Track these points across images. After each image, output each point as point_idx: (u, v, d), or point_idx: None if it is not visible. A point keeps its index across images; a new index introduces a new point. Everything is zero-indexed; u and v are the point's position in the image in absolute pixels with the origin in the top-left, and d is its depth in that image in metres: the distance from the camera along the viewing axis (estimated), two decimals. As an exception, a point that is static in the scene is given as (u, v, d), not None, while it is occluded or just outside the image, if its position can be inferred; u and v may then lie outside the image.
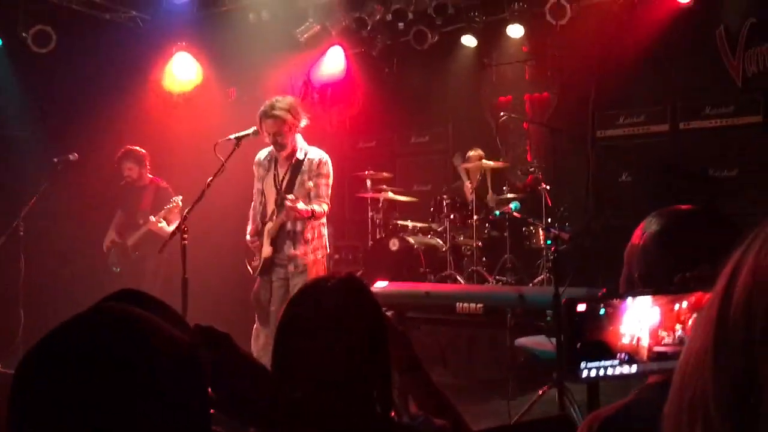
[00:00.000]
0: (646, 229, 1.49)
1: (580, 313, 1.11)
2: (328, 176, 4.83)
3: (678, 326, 1.15)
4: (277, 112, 4.73)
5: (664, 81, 7.54)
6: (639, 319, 1.14)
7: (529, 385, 5.47)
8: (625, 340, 1.14)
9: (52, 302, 7.34)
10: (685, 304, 1.15)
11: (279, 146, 4.76)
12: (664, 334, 1.15)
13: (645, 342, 1.14)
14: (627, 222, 6.55)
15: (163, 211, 6.23)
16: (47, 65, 7.66)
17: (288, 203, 4.49)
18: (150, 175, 6.73)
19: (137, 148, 6.66)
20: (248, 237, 4.95)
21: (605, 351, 1.13)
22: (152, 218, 6.29)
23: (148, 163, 6.69)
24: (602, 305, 1.13)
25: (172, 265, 5.91)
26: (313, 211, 4.62)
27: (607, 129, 7.94)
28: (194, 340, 1.04)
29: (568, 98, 8.14)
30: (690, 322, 1.11)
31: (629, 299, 1.15)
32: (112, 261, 6.69)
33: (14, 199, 6.57)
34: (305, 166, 4.77)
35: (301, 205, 4.51)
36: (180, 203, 6.15)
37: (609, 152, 7.92)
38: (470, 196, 7.25)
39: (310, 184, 4.71)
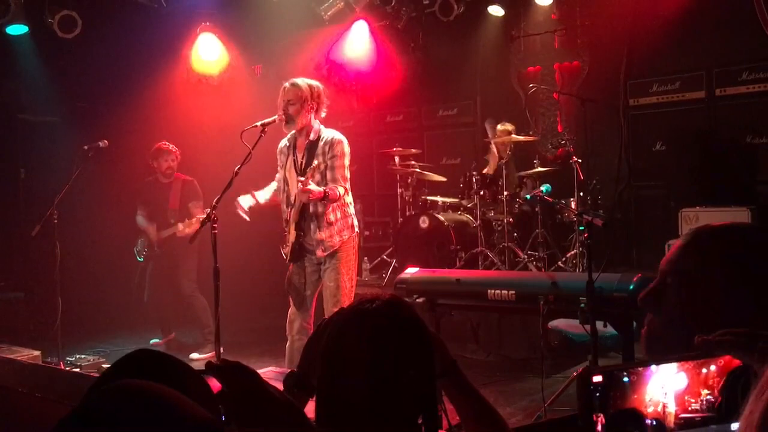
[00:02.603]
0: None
1: (597, 384, 1.07)
2: (342, 156, 4.69)
3: (706, 391, 1.10)
4: (297, 81, 4.72)
5: (699, 46, 7.32)
6: (664, 386, 1.09)
7: (563, 365, 5.45)
8: (651, 408, 1.09)
9: (88, 289, 7.52)
10: (713, 368, 1.10)
11: (288, 118, 4.67)
12: (691, 400, 1.10)
13: (671, 409, 1.10)
14: (661, 192, 6.46)
15: (195, 219, 6.35)
16: (73, 50, 7.70)
17: (299, 185, 4.44)
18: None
19: (169, 144, 6.75)
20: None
21: (632, 420, 1.08)
22: (180, 225, 6.45)
23: (179, 158, 6.82)
24: (624, 373, 1.09)
25: (203, 254, 5.99)
26: (325, 193, 4.54)
27: (640, 97, 7.75)
28: (217, 412, 1.02)
29: (600, 67, 7.96)
30: (719, 386, 1.07)
31: (653, 366, 1.10)
32: (138, 249, 6.85)
33: (45, 186, 6.67)
34: (319, 148, 4.71)
35: (312, 186, 4.45)
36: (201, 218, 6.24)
37: (642, 121, 7.76)
38: (494, 172, 7.19)
39: (324, 165, 4.65)
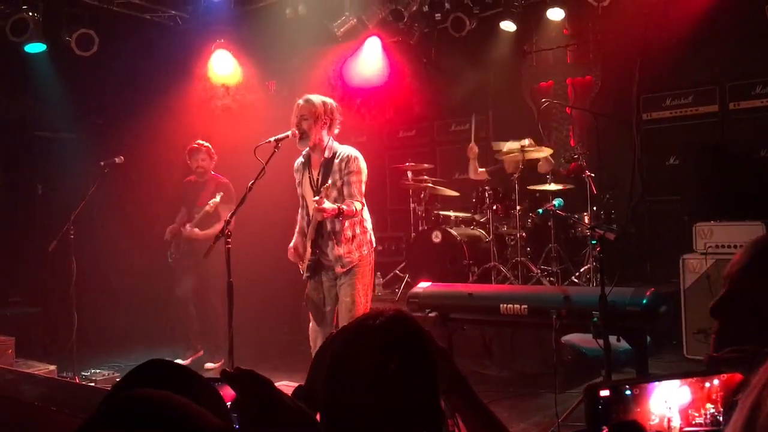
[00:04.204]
0: None
1: (604, 398, 1.08)
2: (359, 173, 4.71)
3: (710, 405, 1.11)
4: (311, 97, 4.75)
5: (712, 60, 7.30)
6: (668, 400, 1.10)
7: (576, 380, 5.42)
8: (655, 421, 1.10)
9: (103, 304, 7.57)
10: (716, 381, 1.10)
11: (302, 133, 4.68)
12: (695, 413, 1.10)
13: (676, 422, 1.11)
14: (675, 206, 6.43)
15: (197, 217, 6.52)
16: (91, 68, 7.80)
17: (315, 204, 4.46)
18: (212, 172, 6.95)
19: (202, 142, 6.90)
20: (290, 247, 4.96)
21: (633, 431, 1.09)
22: (187, 227, 6.64)
23: (215, 159, 6.91)
24: (628, 387, 1.09)
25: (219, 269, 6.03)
26: (340, 209, 4.55)
27: (653, 111, 7.74)
28: (228, 420, 1.04)
29: (612, 81, 7.95)
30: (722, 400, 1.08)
31: (656, 381, 1.11)
32: (171, 250, 6.95)
33: (62, 202, 6.74)
34: (335, 166, 4.73)
35: (327, 204, 4.47)
36: (213, 204, 6.30)
37: (655, 135, 7.74)
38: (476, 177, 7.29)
39: (341, 181, 4.67)
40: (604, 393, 1.08)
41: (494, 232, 7.11)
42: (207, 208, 6.49)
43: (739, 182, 7.07)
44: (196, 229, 6.66)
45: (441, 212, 7.67)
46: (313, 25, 7.94)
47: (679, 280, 6.20)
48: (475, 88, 8.67)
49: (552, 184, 6.81)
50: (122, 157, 6.42)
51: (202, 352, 6.94)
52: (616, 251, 5.99)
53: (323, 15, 7.93)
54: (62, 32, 7.54)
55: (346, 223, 4.70)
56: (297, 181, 4.98)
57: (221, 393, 1.28)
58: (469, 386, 1.75)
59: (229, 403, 1.33)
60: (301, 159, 4.97)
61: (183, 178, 7.09)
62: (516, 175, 6.99)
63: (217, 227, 6.32)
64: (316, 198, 4.48)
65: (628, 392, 1.10)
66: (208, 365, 6.67)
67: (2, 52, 7.40)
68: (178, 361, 6.74)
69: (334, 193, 4.64)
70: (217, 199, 6.37)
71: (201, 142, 6.90)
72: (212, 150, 6.91)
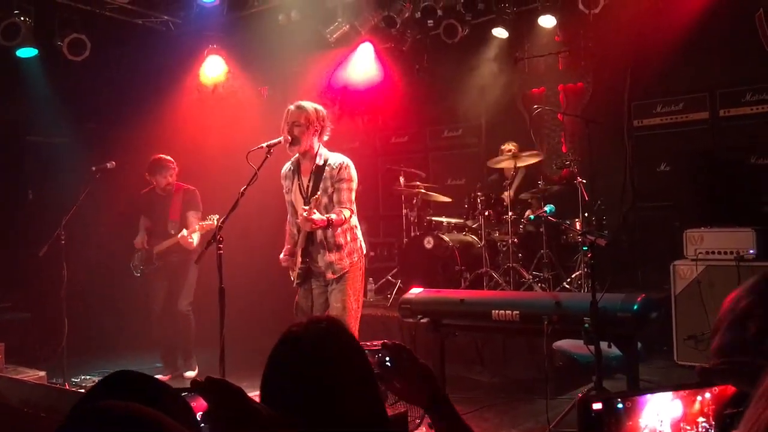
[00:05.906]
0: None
1: (597, 411, 1.08)
2: (350, 180, 4.72)
3: (702, 419, 1.11)
4: (302, 104, 4.75)
5: (703, 67, 7.35)
6: (659, 413, 1.10)
7: (568, 386, 5.43)
8: (647, 435, 1.10)
9: (94, 310, 7.53)
10: (708, 395, 1.11)
11: (293, 139, 4.67)
12: (687, 427, 1.11)
13: (667, 437, 1.11)
14: (665, 213, 6.45)
15: (197, 226, 6.28)
16: (82, 73, 7.77)
17: (304, 215, 4.45)
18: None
19: (167, 157, 6.69)
20: (281, 256, 4.93)
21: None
22: (184, 232, 6.36)
23: (176, 171, 6.72)
24: (620, 400, 1.10)
25: (205, 274, 5.98)
26: (329, 219, 4.55)
27: (645, 118, 7.78)
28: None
29: (604, 88, 7.99)
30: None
31: (648, 394, 1.11)
32: (134, 264, 6.72)
33: (53, 207, 6.71)
34: (326, 173, 4.73)
35: (316, 216, 4.46)
36: (215, 222, 6.08)
37: (647, 142, 7.78)
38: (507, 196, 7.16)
39: (332, 189, 4.68)
40: (597, 406, 1.09)
41: (486, 238, 7.12)
42: (206, 224, 6.18)
43: (730, 189, 7.12)
44: (185, 231, 6.43)
45: (433, 218, 7.68)
46: (306, 31, 7.94)
47: (670, 287, 6.22)
48: (467, 94, 8.69)
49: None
50: (114, 162, 6.40)
51: (170, 377, 6.63)
52: (608, 257, 6.00)
53: (316, 21, 7.94)
54: (54, 37, 7.50)
55: (338, 230, 4.70)
56: (285, 188, 4.96)
57: (194, 404, 1.27)
58: (451, 405, 1.76)
59: (199, 414, 1.32)
60: (289, 166, 4.95)
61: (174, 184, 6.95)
62: (508, 181, 7.01)
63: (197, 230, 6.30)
64: (306, 208, 4.48)
65: (620, 405, 1.10)
66: (188, 374, 6.57)
67: (-6, 56, 7.38)
68: (158, 373, 6.58)
69: (324, 200, 4.64)
70: (185, 233, 6.18)
71: (166, 156, 6.66)
72: (173, 163, 6.65)
